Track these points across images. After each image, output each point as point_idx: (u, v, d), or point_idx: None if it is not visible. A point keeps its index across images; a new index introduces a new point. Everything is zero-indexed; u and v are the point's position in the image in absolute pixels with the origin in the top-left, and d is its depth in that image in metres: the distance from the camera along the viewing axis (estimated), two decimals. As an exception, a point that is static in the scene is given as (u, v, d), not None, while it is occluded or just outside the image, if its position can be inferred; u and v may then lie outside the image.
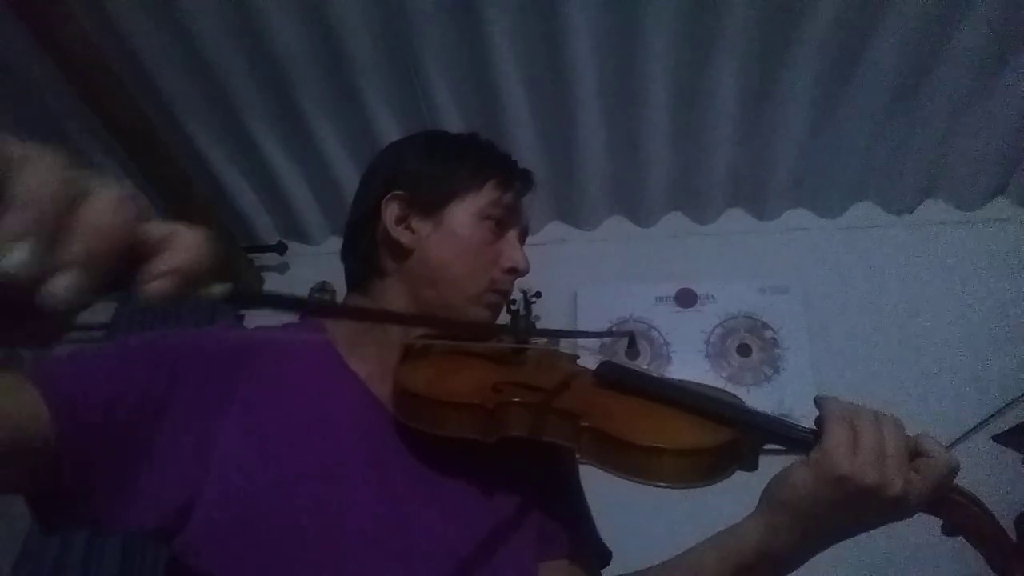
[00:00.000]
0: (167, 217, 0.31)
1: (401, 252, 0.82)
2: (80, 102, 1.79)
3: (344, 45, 1.77)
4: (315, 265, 2.28)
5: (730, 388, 1.94)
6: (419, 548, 0.66)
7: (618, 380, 0.76)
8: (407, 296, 0.82)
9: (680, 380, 0.78)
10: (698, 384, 0.77)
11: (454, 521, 0.70)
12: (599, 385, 0.77)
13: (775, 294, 2.07)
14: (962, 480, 0.64)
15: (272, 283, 2.40)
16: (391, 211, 0.82)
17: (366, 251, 0.84)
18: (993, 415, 1.81)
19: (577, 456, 0.67)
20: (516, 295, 0.90)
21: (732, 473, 0.66)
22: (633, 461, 0.64)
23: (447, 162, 0.84)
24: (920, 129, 1.88)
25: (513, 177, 0.86)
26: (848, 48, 1.72)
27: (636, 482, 0.64)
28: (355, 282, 0.87)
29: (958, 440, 1.80)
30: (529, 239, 0.92)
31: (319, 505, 0.64)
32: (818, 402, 0.66)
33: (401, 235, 0.81)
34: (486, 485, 0.74)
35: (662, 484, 0.64)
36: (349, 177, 2.11)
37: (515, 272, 0.84)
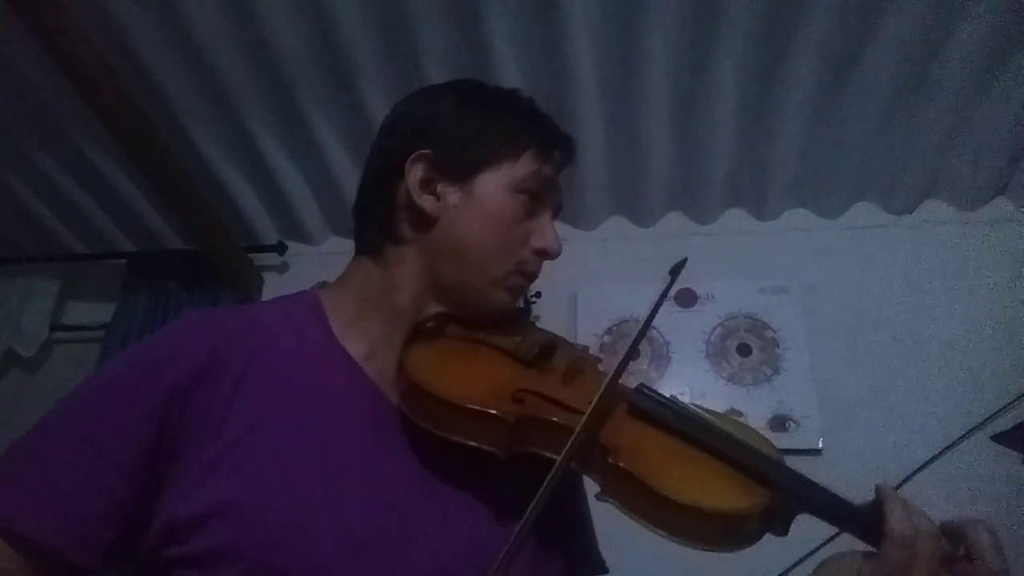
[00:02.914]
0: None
1: (423, 219, 0.74)
2: (80, 102, 1.79)
3: (344, 45, 1.77)
4: (315, 265, 2.25)
5: (730, 388, 1.97)
6: (411, 558, 0.62)
7: (655, 413, 0.68)
8: (423, 269, 0.74)
9: (715, 416, 0.70)
10: (731, 421, 0.70)
11: (451, 531, 0.65)
12: (632, 415, 0.68)
13: (775, 294, 2.06)
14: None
15: (272, 283, 2.40)
16: (416, 172, 0.73)
17: (383, 213, 0.76)
18: (993, 415, 1.81)
19: (598, 494, 0.62)
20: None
21: (761, 538, 0.60)
22: (662, 514, 0.58)
23: (483, 122, 0.76)
24: (920, 129, 1.88)
25: (555, 146, 0.77)
26: (848, 48, 1.72)
27: (659, 535, 0.58)
28: (367, 246, 0.78)
29: (958, 440, 1.79)
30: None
31: (304, 514, 0.60)
32: (881, 498, 0.59)
33: (424, 201, 0.73)
34: (488, 492, 0.68)
35: (688, 543, 0.58)
36: (349, 177, 2.10)
37: (545, 254, 0.76)
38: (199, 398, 0.62)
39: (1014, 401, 1.81)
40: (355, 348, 0.72)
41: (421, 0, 1.66)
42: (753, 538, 0.59)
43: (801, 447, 1.86)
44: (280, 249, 2.36)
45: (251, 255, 2.37)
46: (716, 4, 1.64)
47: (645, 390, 0.71)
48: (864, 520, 0.59)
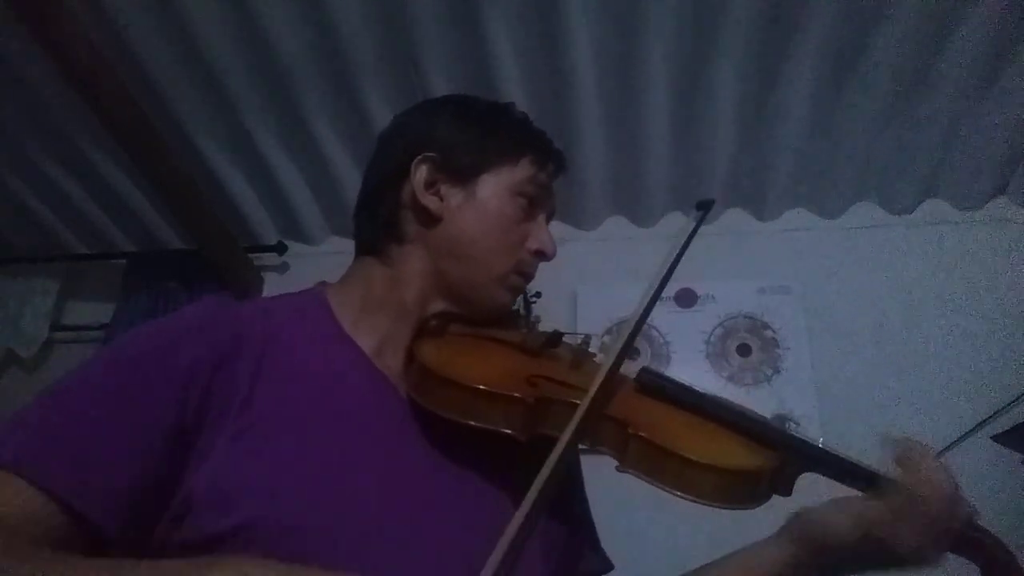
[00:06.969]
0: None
1: (427, 218, 0.77)
2: (80, 102, 1.79)
3: (344, 45, 1.77)
4: (315, 265, 2.26)
5: (730, 388, 1.97)
6: (429, 547, 0.63)
7: (661, 388, 0.73)
8: (427, 267, 0.77)
9: (713, 394, 0.74)
10: (727, 400, 0.74)
11: (468, 522, 0.66)
12: (641, 391, 0.73)
13: (775, 294, 2.06)
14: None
15: (272, 283, 2.40)
16: (421, 173, 0.77)
17: (388, 214, 0.79)
18: (993, 415, 1.81)
19: (617, 466, 0.65)
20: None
21: (770, 498, 0.65)
22: (683, 476, 0.62)
23: (483, 130, 0.80)
24: (920, 128, 1.88)
25: (549, 156, 0.82)
26: (848, 48, 1.72)
27: (682, 497, 0.62)
28: (371, 246, 0.80)
29: (958, 440, 1.80)
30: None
31: (324, 499, 0.61)
32: (896, 455, 0.66)
33: (429, 201, 0.77)
34: (502, 483, 0.69)
35: (708, 502, 0.62)
36: (349, 177, 2.10)
37: (542, 255, 0.81)
38: (222, 376, 0.63)
39: (1014, 401, 1.81)
40: (365, 343, 0.74)
41: (421, 1, 1.66)
42: (764, 497, 0.64)
43: (801, 447, 1.86)
44: (280, 249, 2.36)
45: (251, 255, 2.37)
46: (716, 4, 1.64)
47: (650, 371, 0.75)
48: (867, 473, 0.64)
